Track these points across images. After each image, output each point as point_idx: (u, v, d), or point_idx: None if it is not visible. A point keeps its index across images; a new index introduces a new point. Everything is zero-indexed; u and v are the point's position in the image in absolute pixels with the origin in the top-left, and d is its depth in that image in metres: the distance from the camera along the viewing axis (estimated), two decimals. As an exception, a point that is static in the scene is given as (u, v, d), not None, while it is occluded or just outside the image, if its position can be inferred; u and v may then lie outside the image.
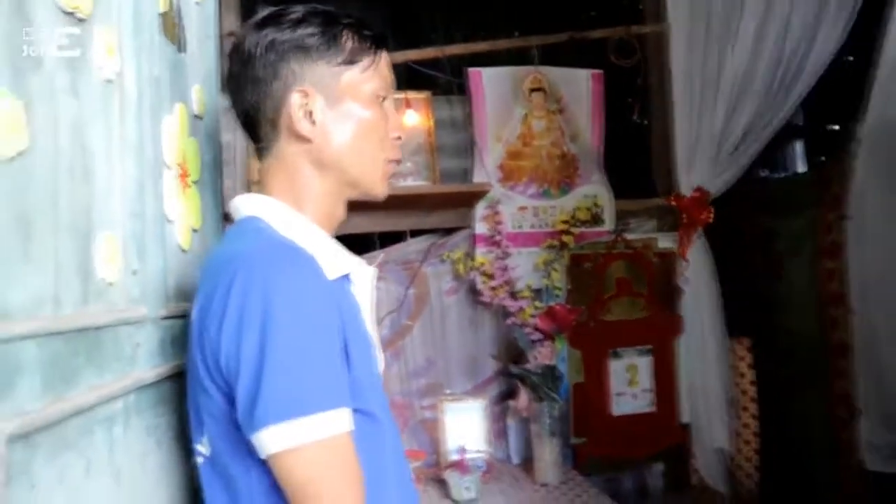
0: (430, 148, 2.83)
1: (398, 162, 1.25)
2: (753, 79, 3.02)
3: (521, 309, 2.77)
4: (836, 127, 4.90)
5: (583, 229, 2.92)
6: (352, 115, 1.16)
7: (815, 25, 3.01)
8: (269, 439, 0.95)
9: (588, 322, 2.83)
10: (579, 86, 3.03)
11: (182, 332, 1.24)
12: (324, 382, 0.98)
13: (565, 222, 2.89)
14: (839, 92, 3.57)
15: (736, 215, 3.49)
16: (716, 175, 3.07)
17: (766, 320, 3.61)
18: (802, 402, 3.50)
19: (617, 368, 2.91)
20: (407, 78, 2.99)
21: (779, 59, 3.02)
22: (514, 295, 2.80)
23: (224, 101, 2.62)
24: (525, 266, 2.87)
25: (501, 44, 3.06)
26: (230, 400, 1.00)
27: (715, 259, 3.17)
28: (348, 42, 1.16)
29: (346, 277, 1.15)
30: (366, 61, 1.17)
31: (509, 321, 2.80)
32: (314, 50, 1.14)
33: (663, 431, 2.97)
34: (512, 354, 2.83)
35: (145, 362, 1.11)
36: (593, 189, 2.99)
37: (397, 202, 2.67)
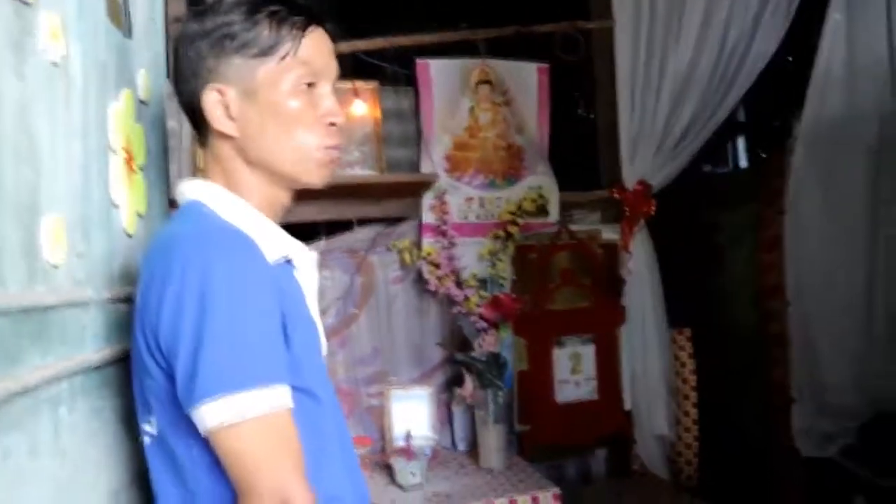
0: (377, 138, 2.84)
1: (336, 147, 1.20)
2: (695, 74, 3.08)
3: (467, 298, 2.81)
4: (777, 124, 5.01)
5: (528, 220, 2.95)
6: (271, 107, 1.13)
7: (754, 24, 3.09)
8: (208, 414, 0.96)
9: (533, 311, 2.87)
10: (526, 79, 3.06)
11: (128, 316, 1.25)
12: (262, 359, 0.99)
13: (511, 213, 2.91)
14: (780, 89, 3.69)
15: (679, 209, 3.55)
16: (658, 168, 3.14)
17: (707, 311, 3.68)
18: (740, 390, 3.60)
19: (561, 357, 2.93)
20: (355, 68, 2.99)
21: (720, 55, 3.09)
22: (459, 284, 2.83)
23: (169, 87, 2.61)
24: (471, 256, 2.90)
25: (449, 35, 3.07)
26: (171, 379, 1.01)
27: (657, 251, 3.23)
28: (265, 31, 1.12)
29: (289, 262, 1.16)
30: (283, 49, 1.12)
31: (455, 310, 2.83)
32: (230, 42, 1.11)
33: (606, 419, 3.00)
34: (458, 342, 2.87)
35: (91, 345, 1.12)
36: (539, 181, 3.02)
37: (344, 191, 2.69)
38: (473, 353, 2.70)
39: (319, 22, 1.18)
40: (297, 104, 1.13)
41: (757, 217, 3.46)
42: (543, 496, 2.37)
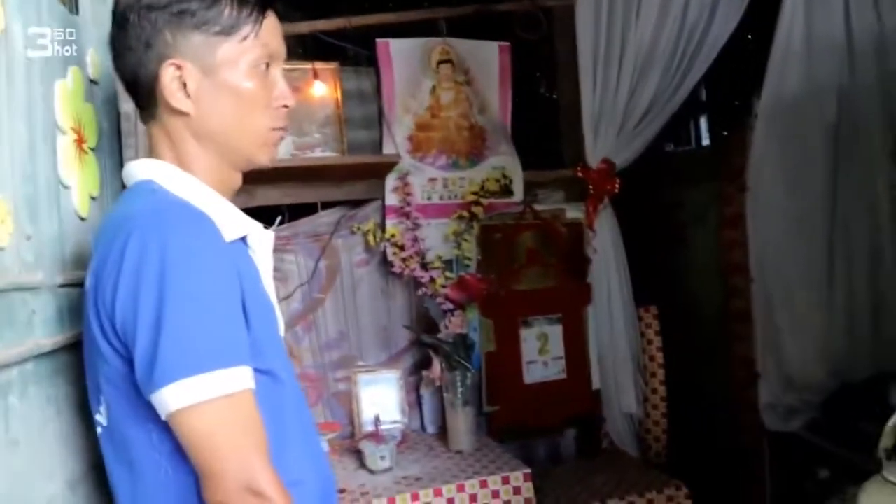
0: (339, 119, 2.80)
1: (284, 129, 1.21)
2: (656, 53, 3.09)
3: (433, 279, 2.79)
4: (738, 102, 5.04)
5: (492, 200, 2.93)
6: (229, 86, 1.12)
7: (713, 2, 3.09)
8: (170, 397, 0.94)
9: (499, 292, 2.86)
10: (487, 58, 3.04)
11: (81, 301, 1.22)
12: (223, 340, 0.98)
13: (475, 193, 2.89)
14: (741, 68, 3.71)
15: (642, 187, 3.56)
16: (622, 147, 3.13)
17: (672, 289, 3.71)
18: (707, 366, 3.62)
19: (528, 337, 2.94)
20: (315, 48, 2.95)
21: (680, 33, 3.09)
22: (425, 266, 2.81)
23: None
24: (435, 237, 2.88)
25: (409, 15, 3.04)
26: (128, 363, 0.99)
27: (623, 230, 3.23)
28: (226, 10, 1.10)
29: (243, 241, 1.15)
30: (244, 30, 1.11)
31: (421, 292, 2.81)
32: (189, 18, 1.09)
33: (575, 398, 3.03)
34: (425, 325, 2.85)
35: (42, 330, 1.09)
36: (502, 160, 3.00)
37: (306, 173, 2.65)
38: (440, 335, 2.69)
39: (273, 5, 1.17)
40: (253, 85, 1.13)
41: (719, 195, 3.48)
42: (514, 476, 2.36)
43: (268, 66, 1.16)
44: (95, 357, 1.04)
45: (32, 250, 1.07)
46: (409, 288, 2.90)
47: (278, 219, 2.57)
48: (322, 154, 2.75)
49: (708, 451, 3.54)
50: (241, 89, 1.12)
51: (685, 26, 3.10)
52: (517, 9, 3.11)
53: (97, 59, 1.40)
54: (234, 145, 1.15)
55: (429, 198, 2.89)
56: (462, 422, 2.59)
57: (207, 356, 0.95)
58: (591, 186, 3.09)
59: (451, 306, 2.76)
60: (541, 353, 2.97)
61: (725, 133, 4.38)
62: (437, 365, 2.67)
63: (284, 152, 2.61)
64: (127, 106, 2.56)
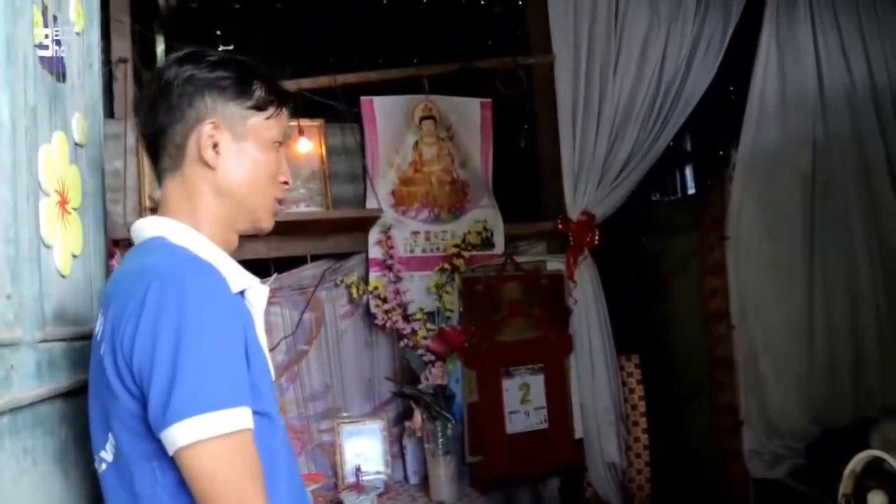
0: (324, 174, 2.87)
1: (281, 202, 1.37)
2: (634, 108, 3.18)
3: (414, 331, 2.84)
4: (721, 153, 5.13)
5: (474, 252, 3.00)
6: (252, 153, 1.28)
7: (689, 60, 3.21)
8: (179, 433, 1.02)
9: (481, 343, 2.90)
10: (469, 114, 3.12)
11: (61, 356, 1.27)
12: (231, 382, 1.08)
13: (456, 246, 2.96)
14: (723, 119, 3.80)
15: (624, 237, 3.62)
16: (601, 199, 3.20)
17: (654, 337, 3.76)
18: (690, 414, 3.66)
19: (510, 387, 2.97)
20: (300, 106, 3.03)
21: (657, 89, 3.20)
22: (407, 317, 2.86)
23: (113, 128, 2.61)
24: (418, 289, 2.93)
25: (393, 73, 3.13)
26: (140, 403, 1.08)
27: (604, 279, 3.27)
28: (258, 91, 1.28)
29: (241, 293, 1.25)
30: (270, 111, 1.30)
31: (403, 343, 2.86)
32: (228, 91, 1.26)
33: (557, 447, 3.04)
34: (407, 376, 2.88)
35: (20, 384, 1.13)
36: (483, 213, 3.07)
37: (291, 228, 2.70)
38: (421, 386, 2.72)
39: (291, 98, 1.38)
40: (269, 157, 1.31)
41: (700, 243, 3.54)
42: None
43: (279, 145, 1.33)
44: (106, 398, 1.12)
45: (12, 308, 1.12)
46: (393, 339, 2.93)
47: (273, 275, 2.64)
48: (307, 209, 2.81)
49: (692, 500, 3.56)
50: (260, 159, 1.29)
51: (662, 82, 3.20)
52: (499, 66, 3.19)
53: (84, 123, 1.46)
54: (245, 204, 1.30)
55: (411, 251, 2.95)
56: (443, 472, 2.61)
57: (216, 397, 1.05)
58: (571, 238, 3.15)
59: (432, 358, 2.80)
60: (523, 403, 2.99)
61: (709, 182, 4.45)
62: (417, 416, 2.70)
63: (270, 207, 2.65)
64: (118, 163, 2.64)
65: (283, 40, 4.22)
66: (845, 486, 1.75)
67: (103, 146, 1.62)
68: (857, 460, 1.75)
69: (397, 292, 2.86)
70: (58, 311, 1.29)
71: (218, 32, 4.62)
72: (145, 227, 1.25)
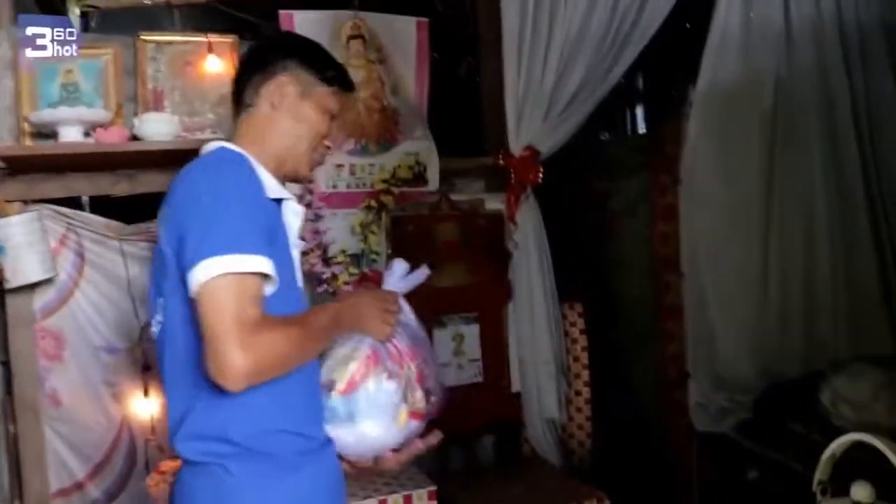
0: (235, 98, 2.61)
1: (321, 160, 1.70)
2: (586, 36, 3.01)
3: (335, 275, 2.70)
4: (675, 91, 5.02)
5: (404, 189, 2.88)
6: (309, 111, 1.59)
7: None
8: (201, 271, 1.27)
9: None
10: (403, 34, 2.95)
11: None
12: (248, 235, 1.33)
13: (385, 181, 2.83)
14: (679, 57, 3.68)
15: (570, 177, 3.53)
16: (547, 134, 3.04)
17: (599, 284, 3.70)
18: (634, 366, 3.62)
19: (442, 338, 2.90)
20: (210, 19, 2.82)
21: (612, 16, 3.03)
22: (327, 260, 2.70)
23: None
24: (340, 229, 2.78)
25: (318, -16, 2.94)
26: (178, 265, 1.35)
27: (547, 222, 3.15)
28: (330, 71, 1.62)
29: (279, 205, 1.51)
30: (335, 88, 1.62)
31: (322, 289, 2.69)
32: (310, 62, 1.61)
33: (492, 403, 2.99)
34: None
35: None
36: (416, 146, 2.92)
37: (194, 156, 2.43)
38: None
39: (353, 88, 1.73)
40: (322, 119, 1.61)
41: (651, 186, 3.44)
42: (417, 495, 2.21)
43: (332, 118, 1.64)
44: (159, 262, 1.44)
45: None
46: (311, 284, 2.72)
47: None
48: (214, 136, 2.54)
49: (635, 455, 3.52)
50: (314, 119, 1.60)
51: (618, 8, 3.04)
52: (439, -19, 2.99)
53: None
54: (293, 151, 1.58)
55: (334, 186, 2.81)
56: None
57: (236, 243, 1.29)
58: (512, 175, 3.02)
59: (354, 305, 2.60)
60: (456, 355, 2.94)
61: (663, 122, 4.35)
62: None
63: (171, 133, 2.43)
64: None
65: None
66: (822, 472, 1.54)
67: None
68: (838, 444, 1.54)
69: (317, 232, 2.69)
70: None
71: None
72: (211, 143, 1.55)
